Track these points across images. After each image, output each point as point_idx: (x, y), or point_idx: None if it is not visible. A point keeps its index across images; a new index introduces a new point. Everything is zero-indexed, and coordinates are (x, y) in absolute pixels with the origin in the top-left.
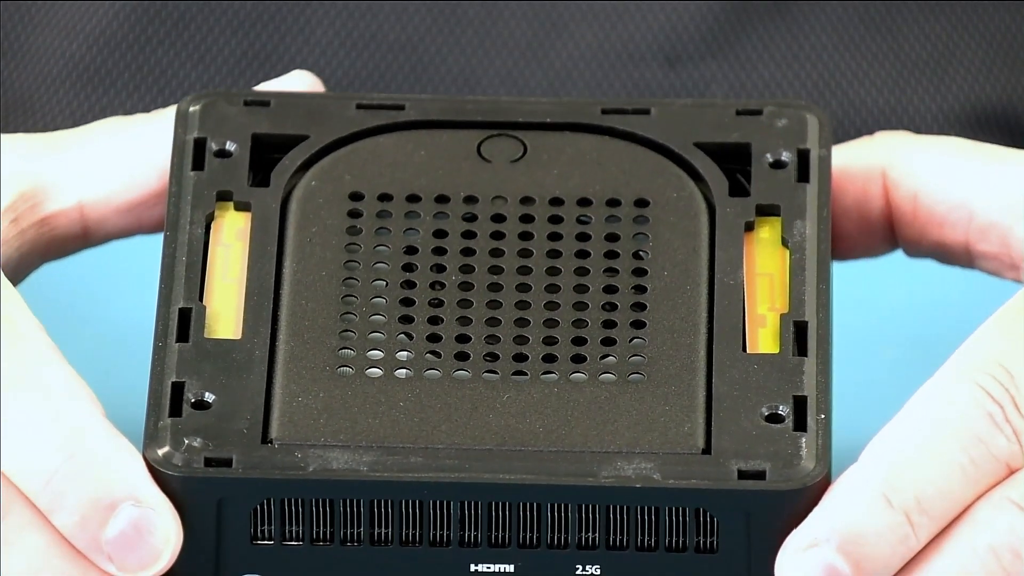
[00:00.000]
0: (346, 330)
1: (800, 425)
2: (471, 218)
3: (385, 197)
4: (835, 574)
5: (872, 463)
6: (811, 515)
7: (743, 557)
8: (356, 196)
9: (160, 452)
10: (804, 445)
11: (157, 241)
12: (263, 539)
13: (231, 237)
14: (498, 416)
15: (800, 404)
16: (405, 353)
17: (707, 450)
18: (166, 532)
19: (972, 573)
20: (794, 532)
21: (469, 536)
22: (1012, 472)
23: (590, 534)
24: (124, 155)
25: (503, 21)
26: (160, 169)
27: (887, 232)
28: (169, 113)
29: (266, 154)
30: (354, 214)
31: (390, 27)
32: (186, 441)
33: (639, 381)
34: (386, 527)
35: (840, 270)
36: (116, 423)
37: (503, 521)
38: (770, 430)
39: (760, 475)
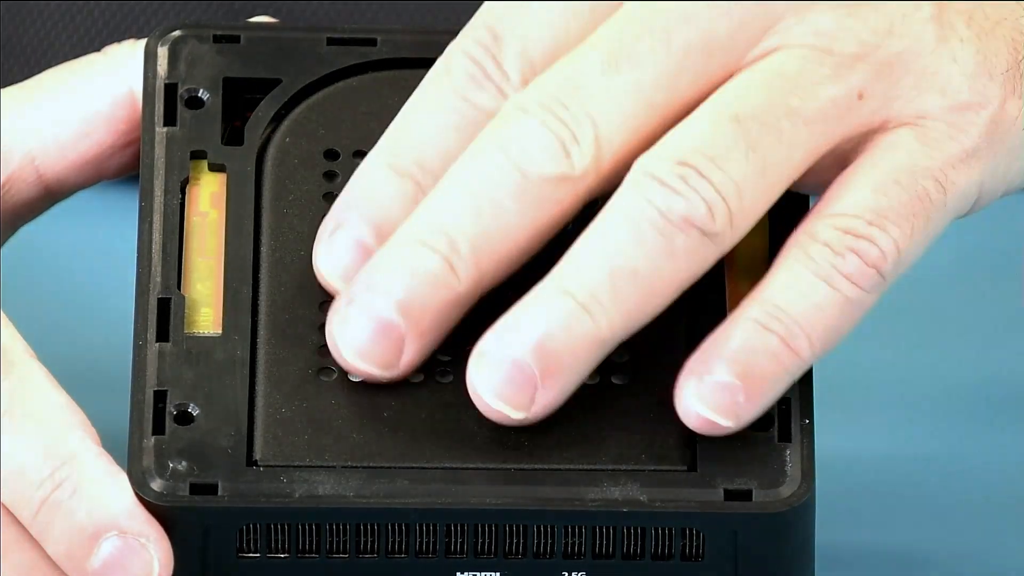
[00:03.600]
0: (326, 323)
1: (784, 434)
2: None
3: (360, 154)
4: (363, 248)
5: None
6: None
7: (730, 562)
8: (331, 154)
9: (144, 478)
10: (789, 459)
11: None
12: (249, 552)
13: (206, 204)
14: (483, 427)
15: (784, 407)
16: None
17: (693, 465)
18: (151, 562)
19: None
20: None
21: (455, 547)
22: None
23: (576, 546)
24: (73, 110)
25: None
26: (112, 119)
27: None
28: (117, 53)
29: (238, 96)
30: (330, 176)
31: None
32: (171, 465)
33: (622, 382)
34: (372, 546)
35: None
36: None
37: (489, 537)
38: (755, 439)
39: (747, 495)
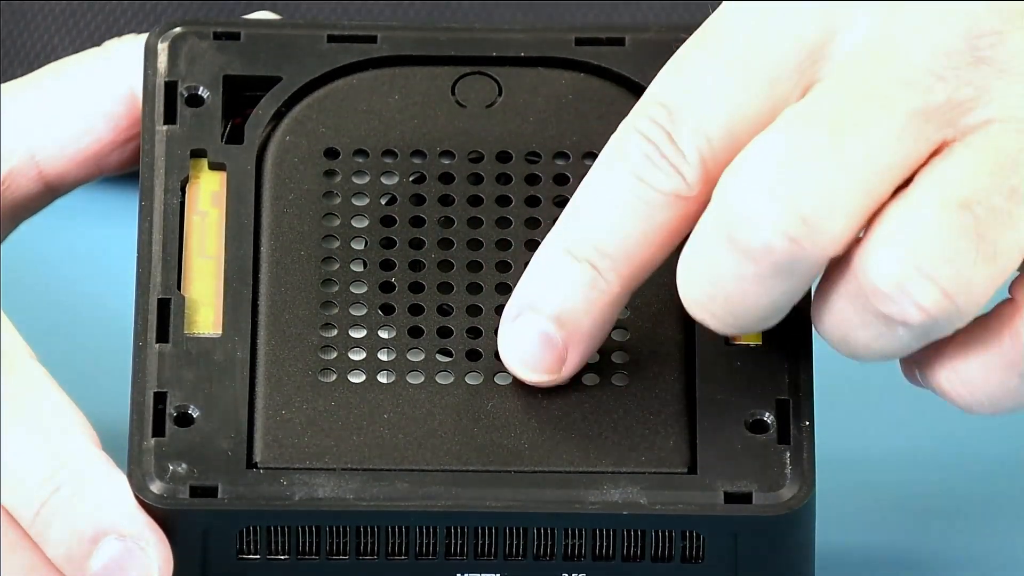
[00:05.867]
0: (327, 323)
1: (784, 436)
2: (448, 179)
3: (360, 153)
4: (549, 340)
5: (557, 222)
6: (519, 285)
7: (730, 565)
8: (331, 153)
9: (144, 480)
10: (789, 462)
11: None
12: (249, 554)
13: (206, 203)
14: (483, 430)
15: (783, 410)
16: (387, 351)
17: (693, 468)
18: (151, 565)
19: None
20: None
21: (455, 549)
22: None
23: (576, 548)
24: (73, 105)
25: (502, 19)
26: (111, 115)
27: None
28: (117, 48)
29: (238, 94)
30: (330, 174)
31: None
32: (170, 468)
33: (622, 383)
34: (373, 548)
35: None
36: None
37: (489, 539)
38: (754, 442)
39: (746, 497)
